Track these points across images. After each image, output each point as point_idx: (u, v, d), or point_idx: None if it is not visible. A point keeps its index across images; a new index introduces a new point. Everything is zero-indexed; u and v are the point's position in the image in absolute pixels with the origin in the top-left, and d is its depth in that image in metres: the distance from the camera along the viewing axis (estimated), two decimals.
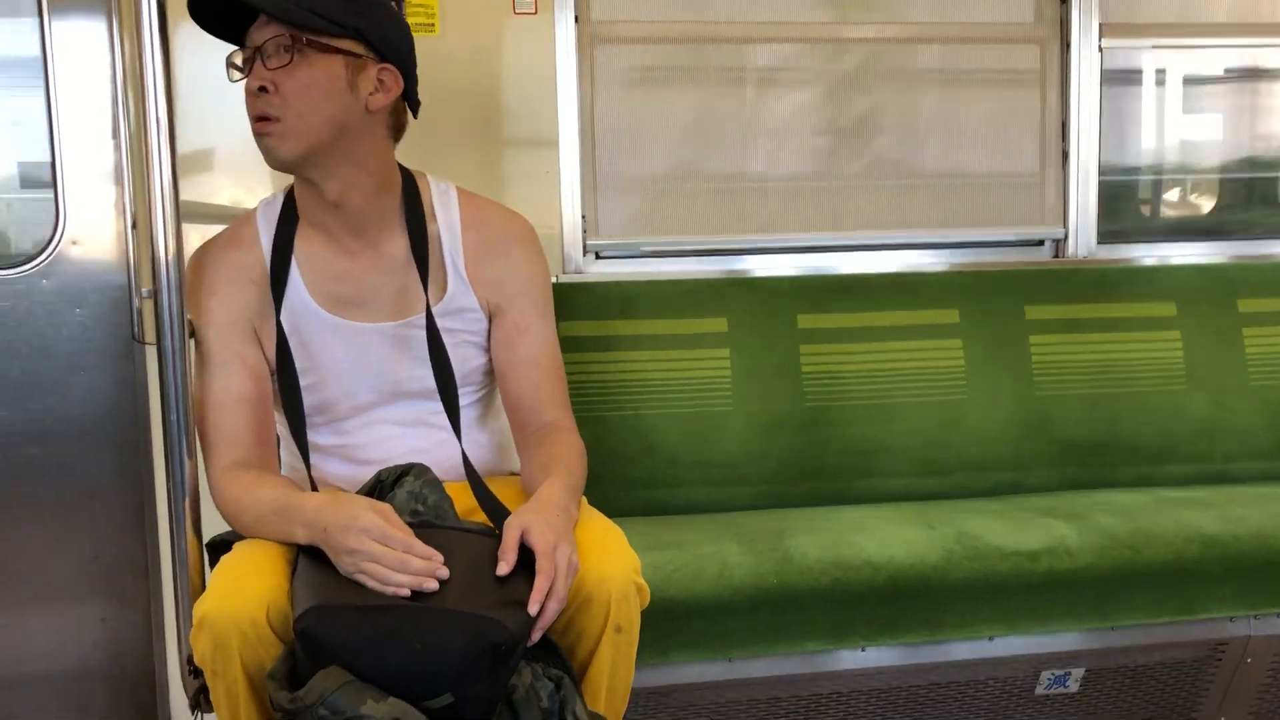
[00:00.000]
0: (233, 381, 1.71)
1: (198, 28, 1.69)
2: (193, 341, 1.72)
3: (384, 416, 1.80)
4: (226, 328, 1.72)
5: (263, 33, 1.63)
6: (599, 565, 1.55)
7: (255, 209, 1.81)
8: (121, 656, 2.46)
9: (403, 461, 1.69)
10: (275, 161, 1.66)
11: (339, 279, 1.76)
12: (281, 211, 1.77)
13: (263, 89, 1.62)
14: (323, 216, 1.74)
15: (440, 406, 1.77)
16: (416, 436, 1.80)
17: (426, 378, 1.77)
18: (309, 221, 1.76)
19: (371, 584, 1.44)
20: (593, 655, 1.57)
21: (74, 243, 2.34)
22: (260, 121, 1.64)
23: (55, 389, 2.36)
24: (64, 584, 2.42)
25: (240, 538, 1.65)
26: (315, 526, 1.50)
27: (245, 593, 1.48)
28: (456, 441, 1.77)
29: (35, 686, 2.45)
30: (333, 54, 1.64)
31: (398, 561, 1.44)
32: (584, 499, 1.72)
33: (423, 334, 1.76)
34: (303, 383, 1.74)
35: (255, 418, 1.72)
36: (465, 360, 1.80)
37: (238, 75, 1.67)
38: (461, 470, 1.78)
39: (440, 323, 1.75)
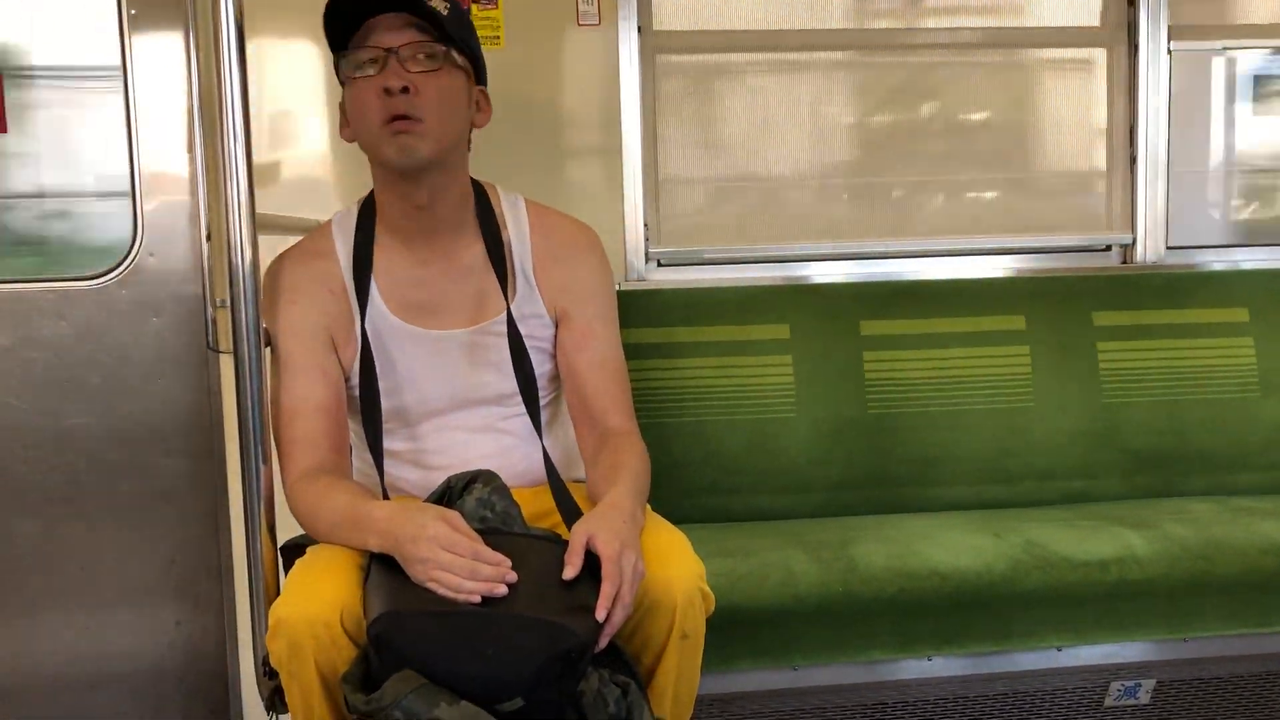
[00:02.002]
0: (312, 389, 1.74)
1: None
2: (267, 350, 1.76)
3: (455, 423, 1.83)
4: (306, 336, 1.76)
5: (400, 36, 1.67)
6: (664, 571, 1.55)
7: (330, 221, 1.85)
8: (196, 658, 2.51)
9: (472, 467, 1.71)
10: (410, 160, 1.69)
11: (414, 287, 1.80)
12: (358, 223, 1.81)
13: (404, 89, 1.66)
14: (405, 221, 1.78)
15: (508, 412, 1.81)
16: (486, 442, 1.83)
17: (497, 383, 1.80)
18: (388, 229, 1.80)
19: (443, 591, 1.46)
20: (658, 661, 1.58)
21: (151, 254, 2.40)
22: (400, 120, 1.67)
23: (134, 396, 2.42)
24: (140, 586, 2.48)
25: (313, 542, 1.69)
26: (387, 536, 1.53)
27: (319, 597, 1.51)
28: (523, 447, 1.81)
29: (112, 686, 2.50)
30: (459, 70, 1.72)
31: (467, 569, 1.46)
32: (648, 506, 1.74)
33: (494, 340, 1.79)
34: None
35: (331, 425, 1.75)
36: (534, 366, 1.82)
37: (370, 71, 1.68)
38: (529, 477, 1.81)
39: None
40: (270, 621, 1.52)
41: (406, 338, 1.80)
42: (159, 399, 2.42)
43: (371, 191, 1.82)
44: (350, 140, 1.79)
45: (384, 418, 1.78)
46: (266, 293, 1.78)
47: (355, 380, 1.78)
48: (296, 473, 1.71)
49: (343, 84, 1.75)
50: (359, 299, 1.77)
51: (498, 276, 1.79)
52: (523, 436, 1.83)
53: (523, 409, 1.80)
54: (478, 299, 1.81)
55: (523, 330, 1.80)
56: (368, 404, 1.76)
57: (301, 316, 1.76)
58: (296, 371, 1.75)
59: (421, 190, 1.74)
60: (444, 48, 1.69)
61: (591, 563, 1.50)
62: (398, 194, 1.76)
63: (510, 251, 1.83)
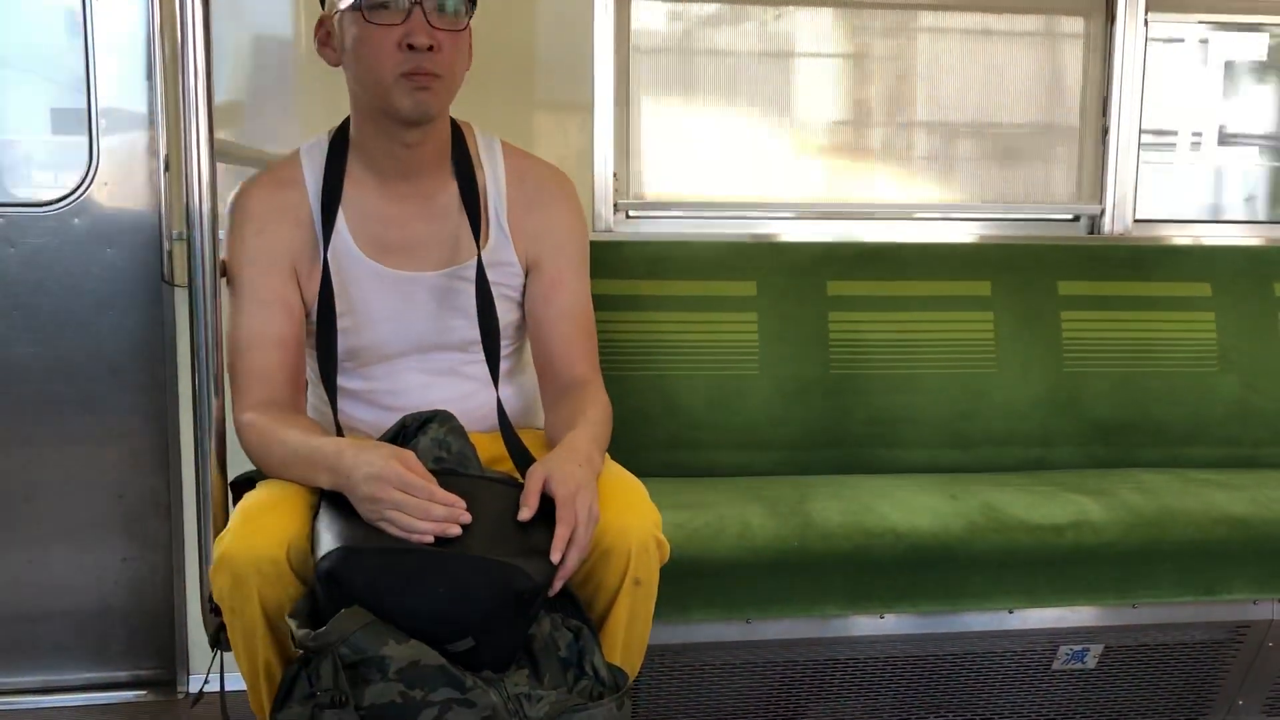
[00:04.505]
0: (271, 321, 1.70)
1: None
2: (223, 280, 1.71)
3: (415, 365, 1.80)
4: (268, 267, 1.71)
5: None
6: (620, 518, 1.54)
7: (298, 150, 1.80)
8: (141, 595, 2.49)
9: (429, 410, 1.69)
10: (425, 115, 1.66)
11: (385, 225, 1.75)
12: (329, 154, 1.75)
13: (430, 48, 1.61)
14: (385, 159, 1.73)
15: (471, 358, 1.78)
16: (445, 386, 1.80)
17: (463, 329, 1.77)
18: (363, 163, 1.75)
19: (394, 531, 1.43)
20: (611, 607, 1.57)
21: (105, 183, 2.34)
22: (422, 76, 1.62)
23: (84, 328, 2.37)
24: (87, 521, 2.44)
25: (264, 477, 1.65)
26: (338, 473, 1.50)
27: (266, 531, 1.48)
28: (484, 393, 1.77)
29: (56, 622, 2.47)
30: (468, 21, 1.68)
31: (420, 509, 1.44)
32: (607, 455, 1.72)
33: (465, 285, 1.75)
34: (338, 326, 1.73)
35: (288, 358, 1.71)
36: (500, 314, 1.78)
37: (390, 20, 1.61)
38: (487, 423, 1.78)
39: None
40: (215, 555, 1.49)
41: (372, 276, 1.76)
42: (110, 331, 2.38)
43: (346, 121, 1.77)
44: (334, 65, 1.72)
45: (341, 355, 1.74)
46: (230, 221, 1.73)
47: (314, 314, 1.74)
48: (249, 406, 1.67)
49: (335, 11, 1.68)
50: (324, 231, 1.72)
51: (471, 221, 1.75)
52: (484, 382, 1.79)
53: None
54: (451, 242, 1.77)
55: (492, 277, 1.77)
56: (324, 339, 1.72)
57: (265, 246, 1.72)
58: (255, 303, 1.70)
59: (415, 132, 1.70)
60: (467, 2, 1.65)
61: (547, 506, 1.49)
62: (385, 133, 1.71)
63: (485, 196, 1.79)
